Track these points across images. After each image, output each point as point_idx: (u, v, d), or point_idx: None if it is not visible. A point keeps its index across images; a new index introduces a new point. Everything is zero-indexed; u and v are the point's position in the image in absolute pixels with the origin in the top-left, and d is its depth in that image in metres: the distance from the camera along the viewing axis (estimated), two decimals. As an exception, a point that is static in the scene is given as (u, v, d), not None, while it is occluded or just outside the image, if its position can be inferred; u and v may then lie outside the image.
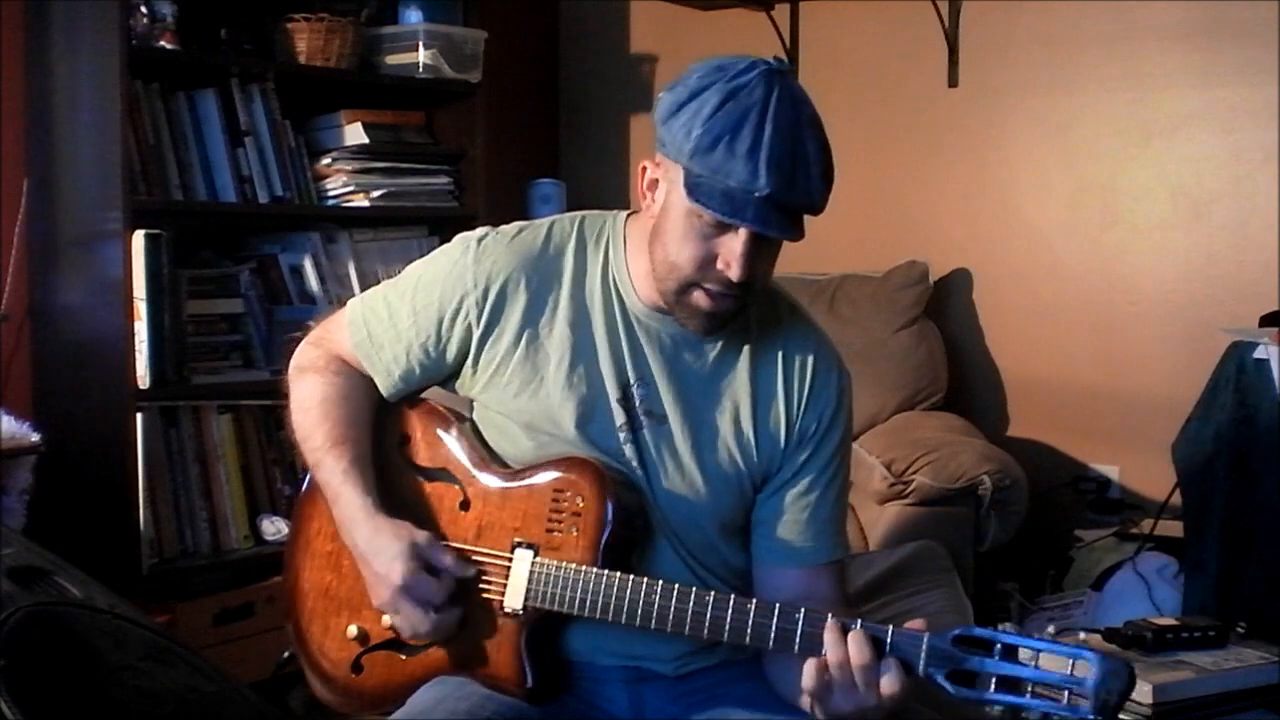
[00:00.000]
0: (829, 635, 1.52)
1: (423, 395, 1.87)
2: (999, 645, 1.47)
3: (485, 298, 1.75)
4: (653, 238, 1.68)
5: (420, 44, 3.48)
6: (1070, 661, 1.44)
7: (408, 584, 1.68)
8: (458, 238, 1.81)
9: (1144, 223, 3.42)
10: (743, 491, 1.77)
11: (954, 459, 2.99)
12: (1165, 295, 3.39)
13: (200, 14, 3.18)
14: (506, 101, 3.91)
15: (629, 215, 1.79)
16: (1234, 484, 2.72)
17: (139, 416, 2.97)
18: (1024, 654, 1.46)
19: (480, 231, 1.80)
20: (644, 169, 1.71)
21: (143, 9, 3.02)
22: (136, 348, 2.97)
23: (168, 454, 3.08)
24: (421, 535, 1.71)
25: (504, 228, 1.81)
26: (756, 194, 1.55)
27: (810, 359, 1.78)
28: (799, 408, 1.76)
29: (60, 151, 3.10)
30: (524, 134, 4.16)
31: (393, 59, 3.51)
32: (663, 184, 1.67)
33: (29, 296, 3.15)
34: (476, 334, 1.76)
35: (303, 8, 3.34)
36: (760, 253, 1.63)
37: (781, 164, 1.56)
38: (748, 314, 1.76)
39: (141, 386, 2.98)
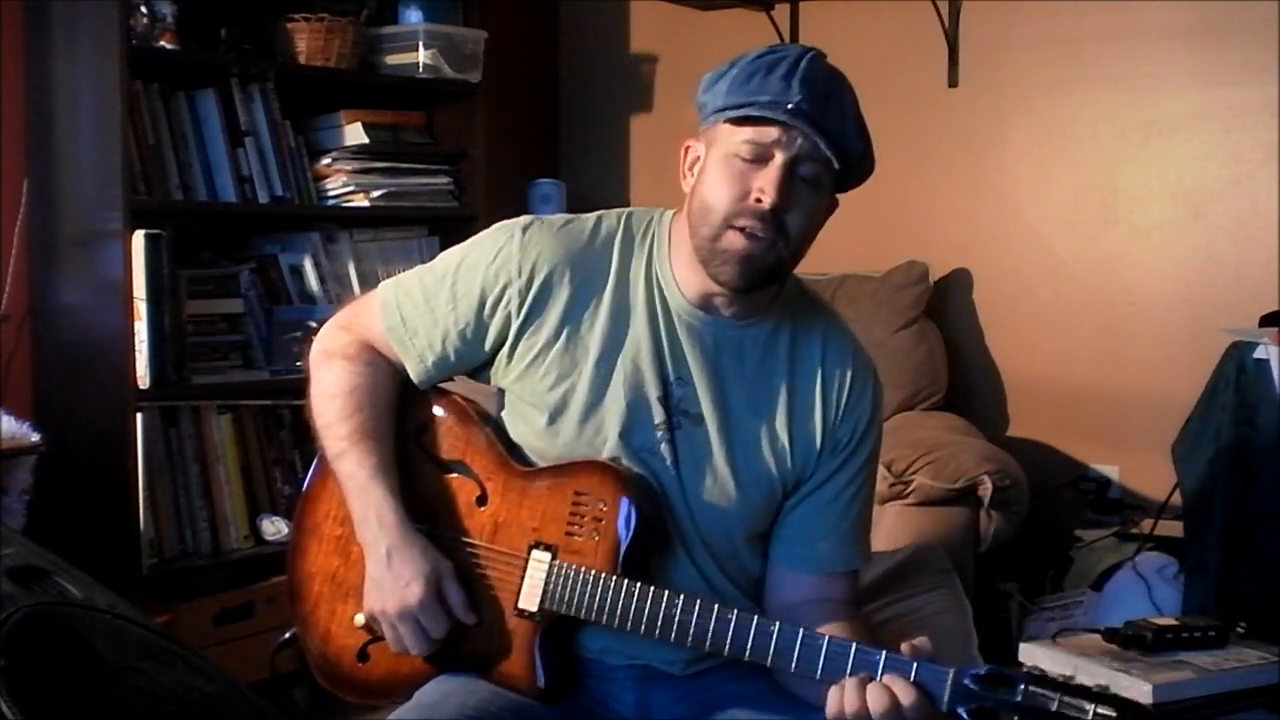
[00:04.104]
0: (848, 690, 1.51)
1: (448, 386, 1.84)
2: (1021, 686, 1.46)
3: (529, 287, 1.73)
4: (691, 202, 1.69)
5: (420, 44, 3.49)
6: (1091, 707, 1.43)
7: (422, 608, 1.68)
8: (500, 225, 1.78)
9: (1144, 223, 3.42)
10: (774, 496, 1.75)
11: (954, 459, 2.99)
12: (1165, 295, 3.39)
13: (200, 14, 3.18)
14: (506, 101, 3.91)
15: (675, 214, 1.77)
16: (1234, 484, 2.72)
17: (139, 416, 2.98)
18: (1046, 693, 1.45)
19: (526, 219, 1.78)
20: (686, 149, 1.73)
21: (143, 9, 3.02)
22: (136, 348, 2.98)
23: (168, 454, 3.08)
24: (446, 565, 1.70)
25: (550, 217, 1.79)
26: (789, 104, 1.60)
27: (849, 369, 1.77)
28: (836, 417, 1.75)
29: (60, 151, 3.10)
30: (524, 134, 4.15)
31: (393, 59, 3.51)
32: (703, 152, 1.69)
33: (29, 296, 3.15)
34: (516, 323, 1.74)
35: (303, 8, 3.34)
36: (793, 187, 1.63)
37: (815, 85, 1.62)
38: (791, 320, 1.76)
39: (141, 386, 2.98)
